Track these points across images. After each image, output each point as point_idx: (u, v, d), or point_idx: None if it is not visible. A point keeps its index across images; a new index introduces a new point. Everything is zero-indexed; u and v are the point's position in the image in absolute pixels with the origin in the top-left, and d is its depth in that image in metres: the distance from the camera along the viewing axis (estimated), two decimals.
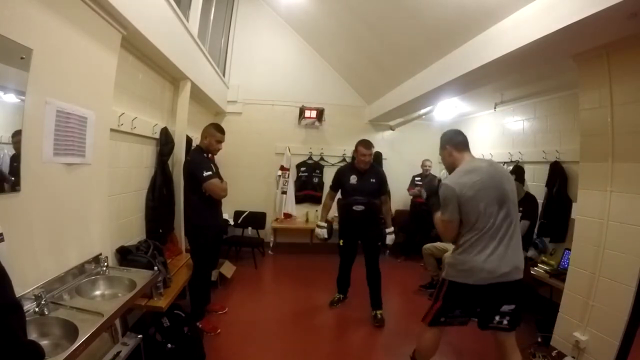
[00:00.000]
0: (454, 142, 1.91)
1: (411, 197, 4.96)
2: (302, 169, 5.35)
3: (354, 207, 2.93)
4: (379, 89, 4.78)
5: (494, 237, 1.69)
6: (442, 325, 1.87)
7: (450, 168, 1.91)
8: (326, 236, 3.14)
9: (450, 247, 3.58)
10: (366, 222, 2.96)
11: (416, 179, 4.98)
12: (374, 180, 2.99)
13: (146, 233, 2.66)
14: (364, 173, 2.99)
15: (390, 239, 3.05)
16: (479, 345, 2.65)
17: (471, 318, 1.87)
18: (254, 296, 3.54)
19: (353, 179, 2.99)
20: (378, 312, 2.97)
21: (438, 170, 5.54)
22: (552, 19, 1.80)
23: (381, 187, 3.04)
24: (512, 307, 1.74)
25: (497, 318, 1.75)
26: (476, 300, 1.78)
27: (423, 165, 4.94)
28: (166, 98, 3.02)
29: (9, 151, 1.26)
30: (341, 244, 3.13)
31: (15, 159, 1.28)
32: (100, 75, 1.82)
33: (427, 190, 2.07)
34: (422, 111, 4.66)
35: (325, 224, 3.15)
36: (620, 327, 1.97)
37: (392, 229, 3.08)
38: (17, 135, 1.28)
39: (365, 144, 2.97)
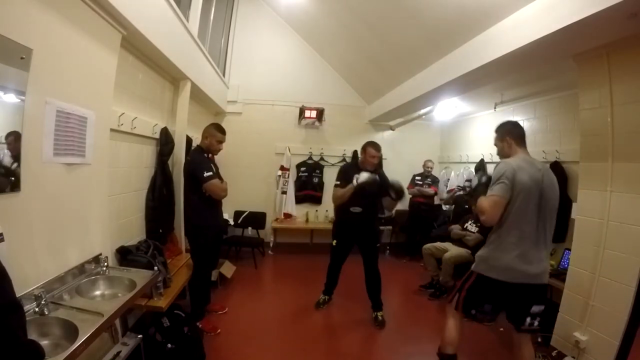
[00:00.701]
0: (515, 134, 1.87)
1: (410, 196, 4.96)
2: (302, 169, 5.35)
3: (352, 209, 2.90)
4: (379, 89, 4.79)
5: (532, 239, 1.71)
6: (472, 318, 1.90)
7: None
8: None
9: (450, 247, 3.60)
10: (363, 225, 2.94)
11: (416, 178, 4.98)
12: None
13: (146, 233, 2.66)
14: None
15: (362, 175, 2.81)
16: (479, 346, 2.65)
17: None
18: (254, 296, 3.54)
19: (354, 179, 2.95)
20: (379, 313, 2.97)
21: (438, 170, 5.55)
22: (552, 19, 1.80)
23: (382, 191, 2.99)
24: (542, 307, 1.77)
25: (528, 320, 1.77)
26: (504, 298, 1.79)
27: (425, 166, 4.94)
28: (166, 98, 3.02)
29: (9, 151, 1.26)
30: (334, 244, 3.09)
31: (15, 159, 1.27)
32: (100, 75, 1.82)
33: (478, 179, 2.00)
34: (422, 111, 4.66)
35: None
36: (620, 327, 1.98)
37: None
38: (10, 136, 1.25)
39: (375, 145, 2.95)
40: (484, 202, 1.75)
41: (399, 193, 2.96)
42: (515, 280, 1.71)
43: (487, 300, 1.84)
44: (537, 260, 1.71)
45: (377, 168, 3.02)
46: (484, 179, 1.92)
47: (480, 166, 4.43)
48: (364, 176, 2.79)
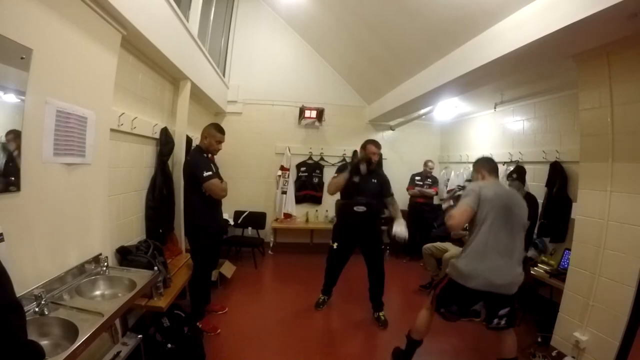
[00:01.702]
0: (487, 168, 2.17)
1: (410, 196, 4.97)
2: (302, 169, 5.35)
3: (355, 208, 2.88)
4: (379, 89, 4.79)
5: (498, 251, 1.88)
6: (442, 316, 2.10)
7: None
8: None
9: (450, 247, 3.60)
10: (367, 225, 2.92)
11: (416, 178, 4.97)
12: (375, 181, 2.95)
13: (146, 233, 2.66)
14: (367, 173, 2.97)
15: (402, 229, 2.84)
16: (480, 344, 2.65)
17: (469, 318, 2.03)
18: (254, 296, 3.54)
19: (356, 178, 2.92)
20: (380, 313, 2.97)
21: (438, 170, 5.55)
22: (552, 19, 1.80)
23: (383, 189, 2.99)
24: (508, 309, 1.95)
25: (495, 321, 1.96)
26: (471, 302, 1.96)
27: (425, 166, 4.94)
28: (166, 98, 3.02)
29: (9, 151, 1.25)
30: (335, 247, 3.03)
31: (15, 159, 1.27)
32: (100, 75, 1.82)
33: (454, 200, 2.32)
34: (422, 111, 4.66)
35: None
36: (620, 327, 1.98)
37: (402, 220, 2.91)
38: (10, 134, 1.25)
39: (375, 142, 2.96)
40: (453, 210, 2.01)
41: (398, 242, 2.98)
42: (481, 288, 1.87)
43: (455, 302, 2.02)
44: (504, 272, 1.88)
45: (377, 168, 3.01)
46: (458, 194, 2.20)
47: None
48: (359, 156, 2.84)
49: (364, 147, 2.98)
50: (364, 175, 2.94)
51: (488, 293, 1.88)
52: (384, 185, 3.01)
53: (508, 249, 1.90)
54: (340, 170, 3.04)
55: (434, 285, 2.18)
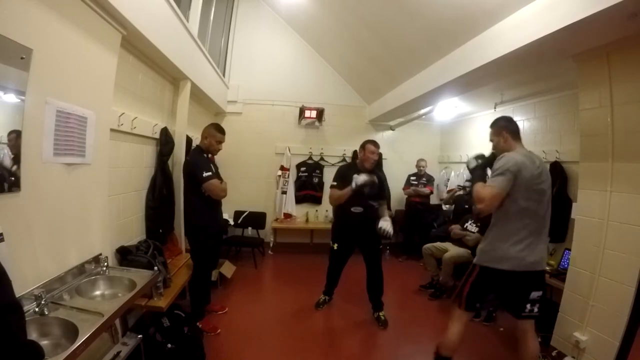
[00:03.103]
0: (511, 129, 1.91)
1: (406, 196, 4.99)
2: (302, 169, 5.35)
3: (352, 209, 2.88)
4: (379, 89, 4.79)
5: (531, 229, 1.77)
6: (478, 310, 1.97)
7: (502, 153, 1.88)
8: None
9: (450, 247, 3.60)
10: (365, 226, 2.92)
11: (411, 178, 5.00)
12: (376, 182, 2.96)
13: (146, 233, 2.66)
14: (368, 174, 2.95)
15: (387, 224, 2.83)
16: (480, 346, 2.65)
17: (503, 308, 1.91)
18: (254, 296, 3.55)
19: (354, 181, 2.93)
20: (380, 313, 2.97)
21: (438, 170, 5.55)
22: (552, 19, 1.80)
23: (381, 191, 2.98)
24: (540, 293, 1.83)
25: (528, 306, 1.83)
26: (507, 286, 1.84)
27: (418, 165, 4.97)
28: (166, 98, 3.02)
29: (9, 151, 1.26)
30: (335, 247, 3.04)
31: (15, 159, 1.27)
32: (100, 75, 1.82)
33: (474, 161, 2.04)
34: (422, 111, 4.66)
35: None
36: (620, 327, 1.98)
37: (387, 217, 2.90)
38: (12, 134, 1.26)
39: (374, 142, 2.94)
40: (482, 190, 1.78)
41: (383, 236, 2.92)
42: (515, 268, 1.77)
43: (491, 290, 1.90)
44: (536, 250, 1.79)
45: (376, 169, 3.00)
46: (479, 161, 1.99)
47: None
48: (362, 178, 2.78)
49: (363, 147, 2.97)
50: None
51: (524, 273, 1.77)
52: (382, 188, 3.01)
53: (540, 226, 1.80)
54: (339, 174, 3.01)
55: (460, 286, 1.98)
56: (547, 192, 1.81)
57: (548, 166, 3.30)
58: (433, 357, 2.04)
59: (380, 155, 5.50)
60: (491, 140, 2.00)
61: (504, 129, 1.91)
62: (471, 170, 2.06)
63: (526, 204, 1.75)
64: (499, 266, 1.80)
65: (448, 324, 2.02)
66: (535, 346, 1.90)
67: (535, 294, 1.83)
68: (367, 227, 2.92)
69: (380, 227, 2.85)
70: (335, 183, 2.97)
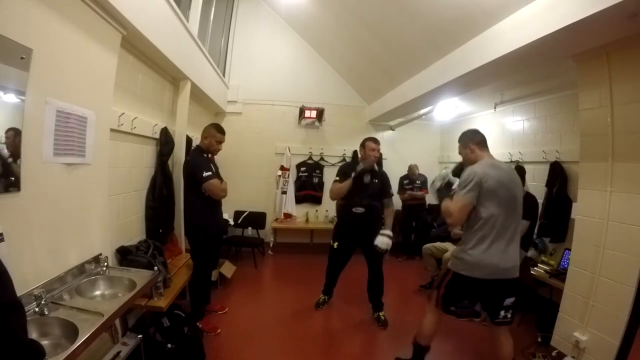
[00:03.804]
0: (476, 141, 1.99)
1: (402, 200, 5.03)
2: (302, 169, 5.35)
3: (354, 209, 2.87)
4: (379, 89, 4.79)
5: (502, 236, 1.81)
6: (454, 315, 2.00)
7: (471, 165, 1.96)
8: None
9: (449, 247, 3.60)
10: (367, 226, 2.91)
11: (404, 182, 5.04)
12: (376, 181, 2.94)
13: (146, 233, 2.66)
14: (369, 173, 2.95)
15: (382, 242, 2.78)
16: (478, 346, 2.65)
17: (469, 318, 1.98)
18: (254, 296, 3.54)
19: (366, 178, 2.91)
20: (380, 313, 2.97)
21: (438, 170, 5.54)
22: (552, 19, 1.80)
23: (383, 189, 2.97)
24: (513, 299, 1.88)
25: (502, 313, 1.88)
26: (480, 293, 1.89)
27: (409, 170, 5.00)
28: (166, 98, 3.02)
29: (6, 150, 1.25)
30: (335, 246, 3.04)
31: (15, 159, 1.27)
32: (100, 75, 1.82)
33: (438, 183, 2.19)
34: (422, 111, 4.66)
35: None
36: (620, 327, 1.98)
37: (389, 231, 2.85)
38: (10, 131, 1.24)
39: (374, 140, 2.94)
40: (450, 205, 1.89)
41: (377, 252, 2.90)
42: (488, 276, 1.82)
43: (465, 296, 1.94)
44: (507, 257, 1.82)
45: (379, 170, 3.01)
46: (442, 184, 2.15)
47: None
48: (360, 165, 2.80)
49: (363, 144, 2.96)
50: (365, 176, 2.93)
51: (496, 281, 1.81)
52: (385, 185, 3.00)
53: (512, 233, 1.83)
54: (342, 171, 3.01)
55: (436, 286, 2.08)
56: (518, 198, 1.86)
57: (547, 167, 3.32)
58: (412, 347, 2.15)
59: (380, 155, 5.52)
60: (460, 153, 2.09)
61: (470, 141, 1.99)
62: (436, 191, 2.22)
63: (497, 211, 1.80)
64: (472, 274, 1.84)
65: (425, 315, 2.13)
66: (510, 347, 1.93)
67: (509, 301, 1.87)
68: (369, 228, 2.91)
69: (376, 245, 2.80)
70: (337, 178, 2.98)
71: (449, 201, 1.91)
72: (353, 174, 2.82)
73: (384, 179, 3.01)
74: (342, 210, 3.01)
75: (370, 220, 2.92)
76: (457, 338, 2.76)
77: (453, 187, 2.02)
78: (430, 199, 5.07)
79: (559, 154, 3.26)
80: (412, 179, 4.98)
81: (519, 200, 1.87)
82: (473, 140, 1.99)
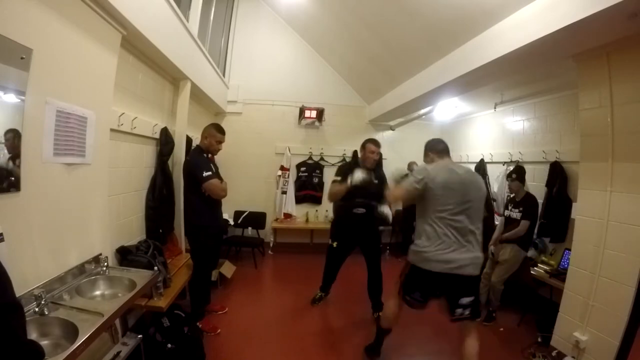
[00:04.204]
0: (436, 150, 2.13)
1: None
2: (302, 169, 5.35)
3: (354, 210, 2.87)
4: (379, 89, 4.78)
5: (454, 235, 1.87)
6: (407, 304, 2.10)
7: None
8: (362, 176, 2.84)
9: None
10: (367, 226, 2.91)
11: None
12: (377, 182, 2.94)
13: (146, 233, 2.66)
14: (369, 173, 2.95)
15: (384, 211, 2.87)
16: (480, 345, 2.65)
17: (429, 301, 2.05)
18: (254, 296, 3.54)
19: (350, 179, 2.92)
20: (380, 313, 2.97)
21: None
22: (552, 19, 1.80)
23: (382, 188, 2.93)
24: (471, 298, 1.91)
25: (458, 310, 1.92)
26: (433, 287, 1.96)
27: (409, 167, 4.97)
28: (166, 98, 3.02)
29: (6, 150, 1.25)
30: (334, 245, 3.05)
31: (15, 159, 1.27)
32: (100, 75, 1.82)
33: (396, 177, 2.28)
34: (422, 111, 4.66)
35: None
36: (620, 327, 1.98)
37: (385, 205, 2.90)
38: (9, 133, 1.24)
39: (374, 141, 2.95)
40: (395, 190, 2.10)
41: (384, 222, 2.95)
42: (439, 270, 1.87)
43: (417, 288, 2.02)
44: (461, 253, 1.86)
45: (376, 167, 3.00)
46: (400, 175, 2.23)
47: (480, 166, 4.44)
48: (357, 176, 2.76)
49: (363, 146, 2.96)
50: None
51: (449, 277, 1.86)
52: (384, 185, 3.00)
53: (464, 231, 1.88)
54: (341, 171, 3.00)
55: (400, 274, 2.16)
56: (473, 203, 1.90)
57: (547, 167, 3.32)
58: (376, 329, 2.35)
59: (380, 155, 5.51)
60: (424, 160, 2.23)
61: (430, 151, 2.15)
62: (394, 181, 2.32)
63: (447, 210, 1.87)
64: (425, 267, 1.91)
65: (388, 299, 2.28)
66: (474, 347, 1.92)
67: (465, 300, 1.90)
68: (369, 228, 2.92)
69: (382, 211, 2.85)
70: (338, 178, 2.95)
71: (395, 184, 2.11)
72: (349, 183, 2.78)
73: (384, 179, 3.01)
74: (342, 211, 3.01)
75: (371, 221, 2.92)
76: (456, 338, 2.76)
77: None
78: None
79: (559, 154, 3.26)
80: None
81: (476, 201, 1.92)
82: (433, 150, 2.14)
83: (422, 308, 2.07)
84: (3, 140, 1.22)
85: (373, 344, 2.35)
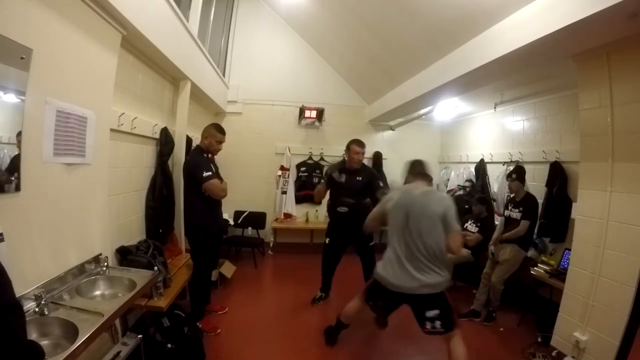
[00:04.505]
0: (411, 172, 2.26)
1: None
2: (302, 169, 5.35)
3: (338, 209, 2.96)
4: (379, 89, 4.78)
5: (402, 255, 1.93)
6: (370, 308, 2.22)
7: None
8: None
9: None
10: (352, 224, 2.91)
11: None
12: (360, 179, 2.97)
13: (146, 233, 2.66)
14: (354, 172, 2.98)
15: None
16: (479, 346, 2.65)
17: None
18: (254, 296, 3.54)
19: (341, 177, 2.99)
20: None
21: (438, 170, 5.54)
22: (552, 19, 1.80)
23: (368, 186, 2.97)
24: (437, 311, 1.90)
25: (428, 324, 1.93)
26: (393, 301, 2.06)
27: None
28: (166, 98, 3.02)
29: (9, 151, 1.26)
30: (327, 242, 3.16)
31: (16, 159, 1.27)
32: (100, 75, 1.82)
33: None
34: (422, 111, 4.66)
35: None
36: (620, 327, 1.98)
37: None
38: (20, 135, 1.29)
39: (358, 142, 3.00)
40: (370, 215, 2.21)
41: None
42: (391, 289, 1.95)
43: (379, 298, 2.11)
44: (405, 275, 1.89)
45: (363, 167, 3.07)
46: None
47: (480, 166, 4.44)
48: (333, 175, 2.95)
49: (348, 147, 3.04)
50: (348, 175, 3.00)
51: (404, 295, 1.92)
52: (372, 181, 3.02)
53: (410, 252, 1.90)
54: (325, 172, 3.16)
55: (369, 278, 2.29)
56: (427, 217, 1.89)
57: (547, 167, 3.32)
58: (335, 320, 2.50)
59: (380, 154, 5.51)
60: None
61: (406, 172, 2.28)
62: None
63: (394, 230, 1.99)
64: (381, 282, 2.01)
65: (353, 298, 2.36)
66: (461, 350, 1.91)
67: (430, 313, 1.90)
68: (355, 225, 2.92)
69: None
70: (323, 180, 3.16)
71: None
72: (325, 178, 2.96)
73: (371, 175, 3.05)
74: (330, 210, 3.13)
75: (355, 218, 2.90)
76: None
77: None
78: None
79: (559, 154, 3.26)
80: None
81: (428, 222, 1.89)
82: (409, 172, 2.27)
83: (384, 316, 2.17)
84: (15, 141, 1.23)
85: (332, 332, 2.53)
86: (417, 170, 2.20)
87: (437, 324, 1.90)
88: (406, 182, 2.22)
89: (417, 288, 1.87)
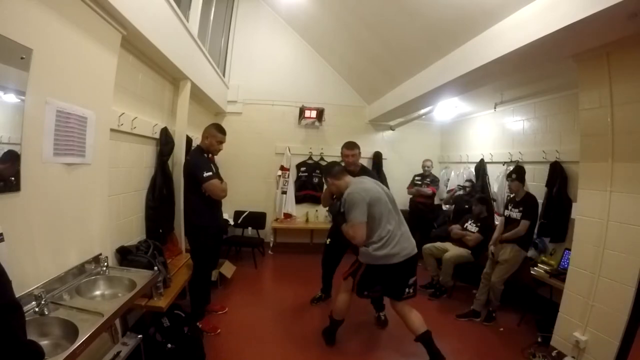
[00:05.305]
0: (332, 174, 2.41)
1: (410, 196, 4.96)
2: (302, 169, 5.35)
3: (341, 209, 2.93)
4: (379, 89, 4.79)
5: (398, 228, 2.25)
6: (366, 298, 2.46)
7: (340, 193, 2.36)
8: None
9: (449, 247, 3.60)
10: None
11: (416, 178, 4.95)
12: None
13: (146, 233, 2.66)
14: (353, 174, 2.97)
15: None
16: (479, 346, 2.65)
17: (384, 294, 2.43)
18: (254, 296, 3.54)
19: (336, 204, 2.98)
20: (381, 313, 2.98)
21: (438, 170, 5.55)
22: (552, 19, 1.80)
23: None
24: (415, 278, 2.32)
25: (407, 290, 2.29)
26: (392, 276, 2.25)
27: (424, 165, 4.93)
28: (166, 98, 3.02)
29: (9, 151, 1.26)
30: (327, 242, 3.18)
31: (15, 159, 1.27)
32: (100, 75, 1.82)
33: (332, 212, 2.59)
34: (422, 111, 4.66)
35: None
36: (620, 327, 1.98)
37: None
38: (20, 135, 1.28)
39: (347, 144, 2.99)
40: (349, 230, 2.22)
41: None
42: (400, 259, 2.19)
43: (378, 282, 2.30)
44: (407, 240, 2.27)
45: (362, 169, 3.05)
46: (338, 209, 2.42)
47: (480, 166, 4.44)
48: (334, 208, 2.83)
49: (341, 153, 3.03)
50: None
51: (404, 262, 2.19)
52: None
53: (401, 223, 2.29)
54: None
55: (352, 273, 2.40)
56: (386, 197, 2.29)
57: (547, 167, 3.32)
58: (329, 321, 2.58)
59: (380, 154, 5.50)
60: (331, 188, 2.51)
61: (327, 177, 2.46)
62: (334, 217, 2.65)
63: (382, 213, 2.19)
64: (387, 262, 2.19)
65: (339, 294, 2.52)
66: (417, 314, 2.28)
67: (412, 280, 2.29)
68: None
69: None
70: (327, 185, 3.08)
71: (346, 227, 2.26)
72: (330, 209, 2.90)
73: (371, 176, 3.03)
74: (331, 211, 3.09)
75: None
76: (457, 338, 2.76)
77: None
78: (435, 200, 5.05)
79: (559, 154, 3.26)
80: (424, 175, 4.89)
81: (385, 199, 2.28)
82: (330, 175, 2.41)
83: (381, 300, 2.65)
84: (5, 140, 1.22)
85: (329, 332, 2.59)
86: (338, 171, 2.42)
87: (412, 289, 2.30)
88: (331, 188, 2.46)
89: (413, 248, 2.28)
